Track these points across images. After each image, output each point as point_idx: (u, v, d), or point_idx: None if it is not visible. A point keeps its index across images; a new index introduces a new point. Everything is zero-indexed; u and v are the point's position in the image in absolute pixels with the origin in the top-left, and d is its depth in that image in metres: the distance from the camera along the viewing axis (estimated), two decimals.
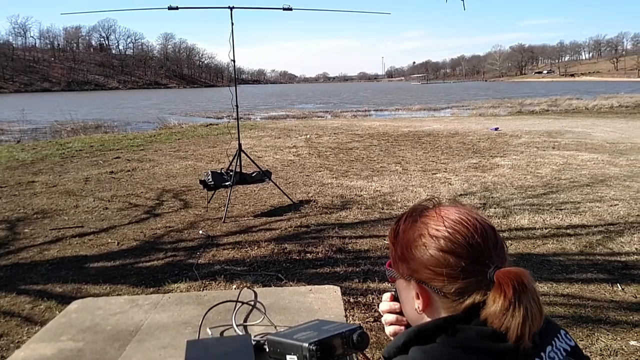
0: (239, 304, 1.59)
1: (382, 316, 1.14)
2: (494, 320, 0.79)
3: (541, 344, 0.85)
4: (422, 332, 0.86)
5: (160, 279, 3.99)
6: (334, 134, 13.82)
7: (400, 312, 1.06)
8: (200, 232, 5.19)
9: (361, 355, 1.31)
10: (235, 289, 3.55)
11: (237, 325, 1.44)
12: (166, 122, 20.00)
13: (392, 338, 1.08)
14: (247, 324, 1.48)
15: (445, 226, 0.88)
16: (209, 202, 6.24)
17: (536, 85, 79.69)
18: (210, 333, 1.41)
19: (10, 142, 14.89)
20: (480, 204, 5.98)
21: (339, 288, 1.77)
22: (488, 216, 5.57)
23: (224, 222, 5.51)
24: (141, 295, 1.76)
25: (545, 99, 31.08)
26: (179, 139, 13.65)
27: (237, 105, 5.64)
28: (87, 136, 15.56)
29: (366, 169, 8.50)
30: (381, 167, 8.63)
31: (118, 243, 4.96)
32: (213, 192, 6.17)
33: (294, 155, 10.09)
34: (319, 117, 23.69)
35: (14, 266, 4.38)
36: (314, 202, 6.33)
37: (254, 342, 1.33)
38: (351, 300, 3.50)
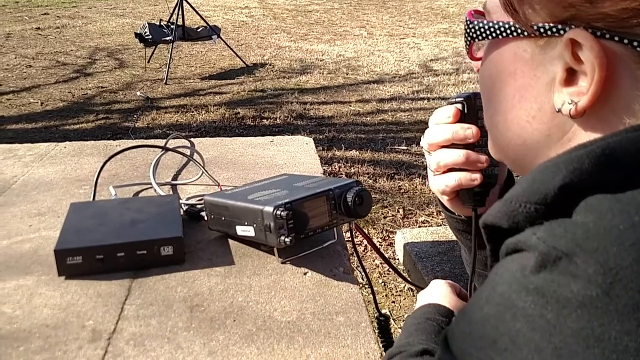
0: (167, 156, 1.08)
1: (425, 155, 0.57)
2: None
3: None
4: (619, 156, 0.33)
5: None
6: None
7: (473, 145, 0.53)
8: (138, 93, 4.51)
9: (354, 226, 0.85)
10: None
11: (159, 184, 0.94)
12: None
13: (442, 198, 0.58)
14: (176, 182, 0.98)
15: None
16: (148, 62, 5.45)
17: None
18: (113, 193, 0.90)
19: None
20: (453, 69, 5.50)
21: (311, 139, 1.28)
22: (461, 82, 5.14)
23: (165, 83, 4.83)
24: (25, 144, 1.21)
25: None
26: None
27: None
28: None
29: (327, 32, 7.73)
30: (344, 31, 7.87)
31: (42, 103, 4.25)
32: (153, 49, 5.37)
33: (246, 16, 9.09)
34: None
35: None
36: (270, 65, 5.67)
37: (184, 208, 0.85)
38: None
